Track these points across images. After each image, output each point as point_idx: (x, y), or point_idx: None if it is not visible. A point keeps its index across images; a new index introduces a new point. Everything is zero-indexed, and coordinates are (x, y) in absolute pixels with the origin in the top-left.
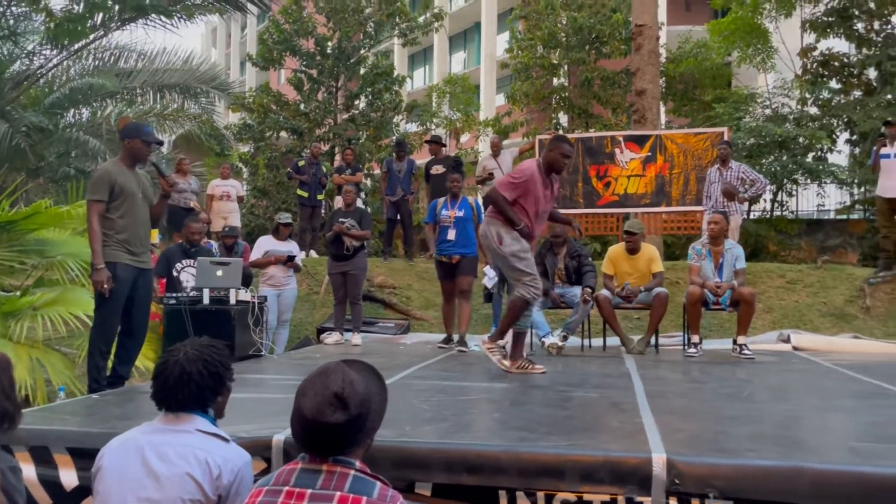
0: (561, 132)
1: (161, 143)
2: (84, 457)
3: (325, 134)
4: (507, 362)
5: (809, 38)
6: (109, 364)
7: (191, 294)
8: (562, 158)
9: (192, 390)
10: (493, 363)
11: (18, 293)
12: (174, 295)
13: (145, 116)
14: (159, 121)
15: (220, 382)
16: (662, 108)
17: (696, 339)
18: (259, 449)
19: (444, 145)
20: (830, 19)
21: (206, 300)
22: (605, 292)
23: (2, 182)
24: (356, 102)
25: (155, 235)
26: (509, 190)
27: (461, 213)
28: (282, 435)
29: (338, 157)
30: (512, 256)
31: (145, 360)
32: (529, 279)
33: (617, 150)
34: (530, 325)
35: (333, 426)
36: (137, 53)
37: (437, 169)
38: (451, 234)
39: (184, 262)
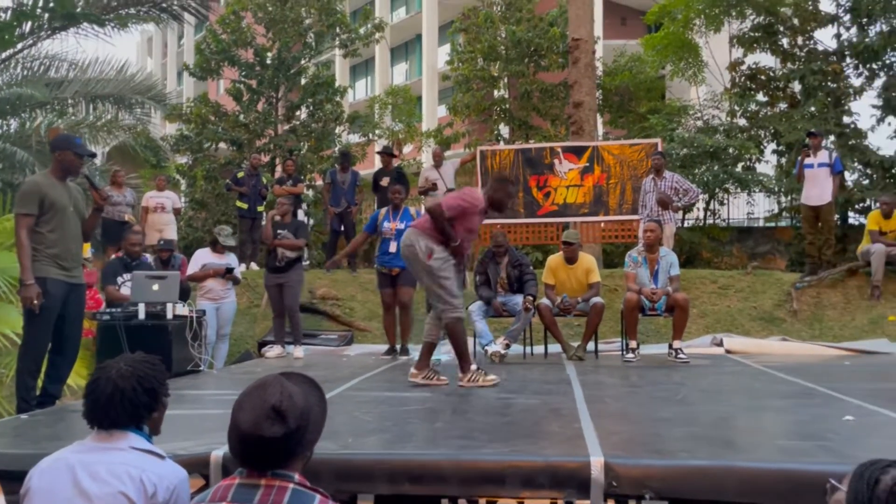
0: (502, 143)
1: (94, 155)
2: (12, 479)
3: (266, 145)
4: (413, 370)
5: (737, 52)
6: (39, 383)
7: (126, 309)
8: (507, 199)
9: (125, 407)
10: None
11: None
12: (108, 310)
13: (77, 127)
14: (92, 132)
15: (155, 398)
16: (599, 120)
17: (633, 344)
18: (197, 466)
19: (396, 156)
20: (757, 35)
21: (141, 315)
22: (545, 301)
23: None
24: (297, 113)
25: (87, 249)
26: (456, 211)
27: (402, 226)
28: (220, 450)
29: (279, 169)
30: (439, 273)
31: (77, 378)
32: (452, 303)
33: (556, 161)
34: (442, 337)
35: (271, 440)
36: (69, 63)
37: (386, 181)
38: (393, 247)
39: (125, 276)
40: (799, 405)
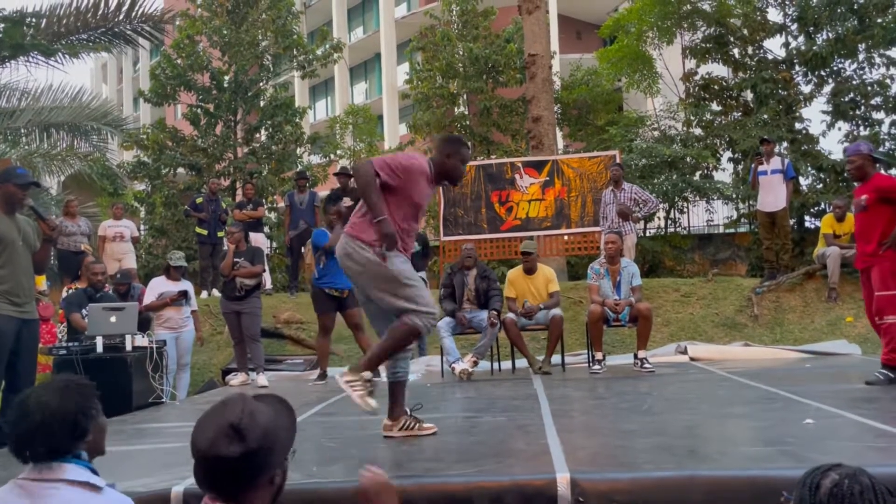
0: None
1: (38, 185)
2: None
3: (226, 169)
4: (387, 421)
5: (690, 63)
6: None
7: (83, 342)
8: (461, 166)
9: (51, 442)
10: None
11: None
12: (65, 344)
13: (31, 157)
14: (46, 161)
15: (84, 422)
16: (559, 134)
17: (599, 355)
18: (157, 503)
19: (351, 176)
20: (708, 45)
21: (99, 348)
22: (510, 315)
23: None
24: (256, 136)
25: (42, 282)
26: (390, 170)
27: None
28: (181, 486)
29: (239, 192)
30: (403, 278)
31: None
32: (425, 308)
33: (517, 176)
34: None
35: (228, 459)
36: (21, 92)
37: (346, 202)
38: None
39: (88, 308)
40: (761, 410)
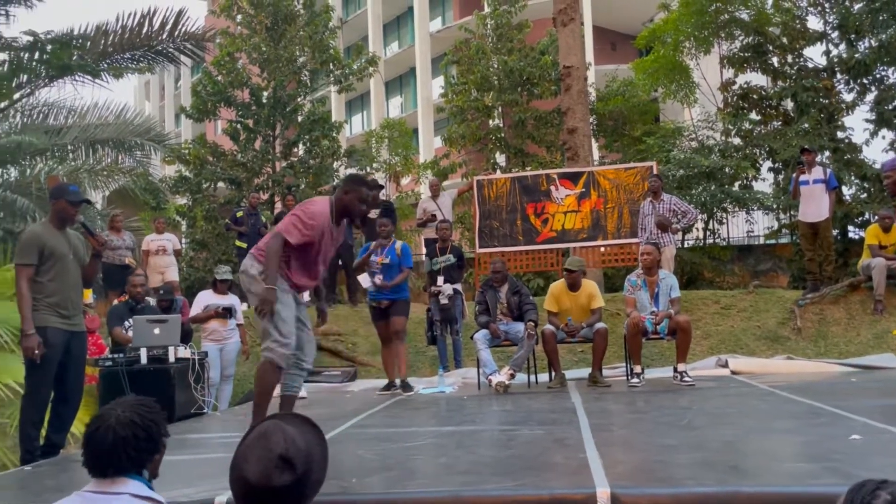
0: (498, 172)
1: (89, 202)
2: None
3: (264, 183)
4: None
5: (728, 73)
6: (43, 432)
7: (128, 354)
8: (359, 204)
9: (128, 455)
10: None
11: None
12: (110, 356)
13: (77, 173)
14: (92, 177)
15: (155, 442)
16: (595, 145)
17: (637, 369)
18: None
19: (383, 188)
20: (746, 55)
21: (143, 360)
22: (550, 327)
23: None
24: (294, 150)
25: (89, 295)
26: (298, 235)
27: (388, 260)
28: (224, 497)
29: (278, 205)
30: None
31: (81, 427)
32: (277, 339)
33: (552, 188)
34: (300, 386)
35: (283, 488)
36: (67, 109)
37: (374, 214)
38: (379, 280)
39: (130, 319)
40: (806, 425)
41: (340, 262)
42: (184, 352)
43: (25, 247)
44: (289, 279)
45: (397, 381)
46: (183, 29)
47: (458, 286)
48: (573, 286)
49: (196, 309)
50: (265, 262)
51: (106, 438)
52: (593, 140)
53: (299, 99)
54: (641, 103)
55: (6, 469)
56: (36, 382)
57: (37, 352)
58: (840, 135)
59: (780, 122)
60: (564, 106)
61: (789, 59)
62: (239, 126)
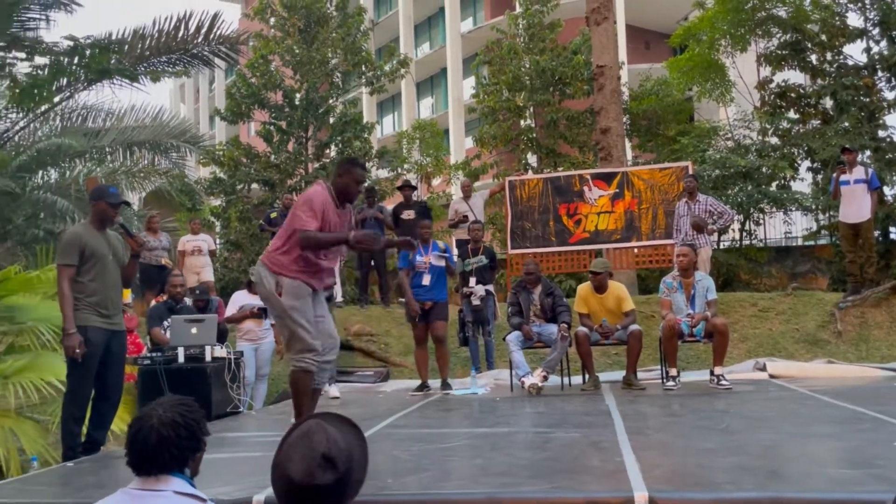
0: (530, 172)
1: (128, 204)
2: None
3: (297, 184)
4: None
5: (765, 71)
6: (84, 429)
7: (166, 353)
8: (354, 185)
9: (171, 454)
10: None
11: None
12: (149, 355)
13: (115, 175)
14: (129, 178)
15: (198, 441)
16: (628, 145)
17: (673, 372)
18: None
19: (415, 188)
20: (784, 52)
21: (181, 359)
22: (583, 329)
23: None
24: (327, 151)
25: (128, 295)
26: (313, 221)
27: (433, 258)
28: (262, 495)
29: None
30: (292, 311)
31: (121, 424)
32: (301, 349)
33: (585, 188)
34: (327, 381)
35: (325, 487)
36: (105, 112)
37: (409, 214)
38: (427, 280)
39: (169, 320)
40: (847, 431)
41: (373, 263)
42: (220, 351)
43: (66, 247)
44: (306, 280)
45: (429, 382)
46: (218, 32)
47: (491, 287)
48: (599, 288)
49: (231, 309)
50: (320, 246)
51: (150, 438)
52: (626, 140)
53: (331, 100)
54: (676, 102)
55: (49, 465)
56: (77, 380)
57: (78, 351)
58: (881, 133)
59: (819, 121)
60: (597, 105)
61: (828, 56)
62: (272, 128)
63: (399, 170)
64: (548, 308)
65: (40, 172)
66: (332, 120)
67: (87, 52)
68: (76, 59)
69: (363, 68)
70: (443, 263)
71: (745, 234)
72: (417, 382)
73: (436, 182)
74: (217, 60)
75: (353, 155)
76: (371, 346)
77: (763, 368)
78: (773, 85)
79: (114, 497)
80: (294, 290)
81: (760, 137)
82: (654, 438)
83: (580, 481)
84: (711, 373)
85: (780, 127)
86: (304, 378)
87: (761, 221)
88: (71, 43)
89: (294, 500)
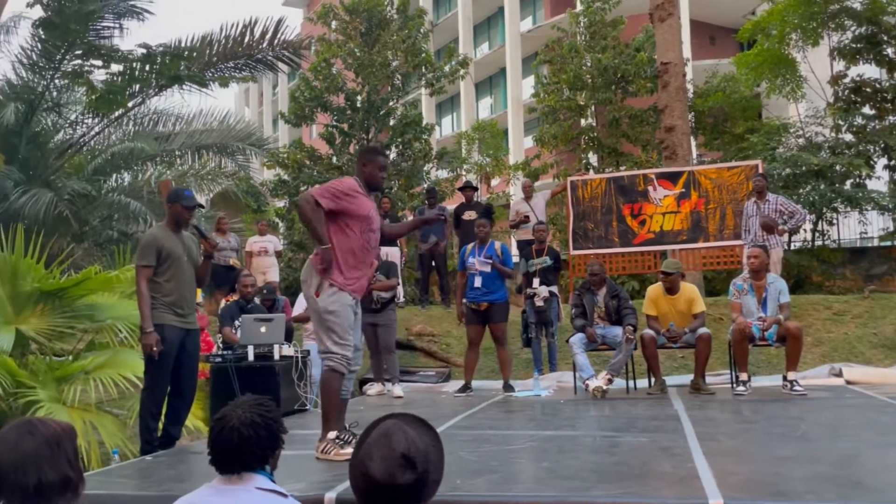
0: (591, 172)
1: (202, 206)
2: None
3: None
4: (348, 449)
5: (839, 65)
6: (160, 425)
7: (237, 351)
8: (379, 173)
9: (252, 452)
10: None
11: (70, 358)
12: (220, 353)
13: (184, 177)
14: (197, 180)
15: (277, 439)
16: (693, 143)
17: (744, 376)
18: None
19: (476, 189)
20: (859, 46)
21: (250, 357)
22: (649, 332)
23: (52, 250)
24: (387, 153)
25: (199, 294)
26: (328, 198)
27: (487, 269)
28: (333, 493)
29: None
30: (326, 315)
31: (194, 420)
32: (336, 352)
33: (650, 188)
34: (349, 395)
35: (405, 486)
36: (175, 117)
37: (469, 215)
38: (478, 282)
39: (240, 319)
40: None
41: (434, 264)
42: (287, 350)
43: (144, 249)
44: (345, 283)
45: (487, 384)
46: (282, 37)
47: (554, 288)
48: (671, 290)
49: (298, 309)
50: (307, 223)
51: (231, 439)
52: (692, 138)
53: (392, 102)
54: (743, 99)
55: (127, 459)
56: (154, 377)
57: (155, 348)
58: None
59: None
60: (662, 103)
61: None
62: (334, 130)
63: (458, 170)
64: (612, 310)
65: (114, 175)
66: (392, 122)
67: (159, 60)
68: (148, 66)
69: (423, 70)
70: (488, 269)
71: (817, 234)
72: (479, 383)
73: (495, 182)
74: (281, 65)
75: (403, 151)
76: (432, 346)
77: (839, 374)
78: (847, 80)
79: (199, 491)
80: (333, 296)
81: (833, 134)
82: (726, 445)
83: (652, 487)
84: (784, 378)
85: (855, 123)
86: (334, 379)
87: (835, 221)
88: (144, 50)
89: (375, 499)
